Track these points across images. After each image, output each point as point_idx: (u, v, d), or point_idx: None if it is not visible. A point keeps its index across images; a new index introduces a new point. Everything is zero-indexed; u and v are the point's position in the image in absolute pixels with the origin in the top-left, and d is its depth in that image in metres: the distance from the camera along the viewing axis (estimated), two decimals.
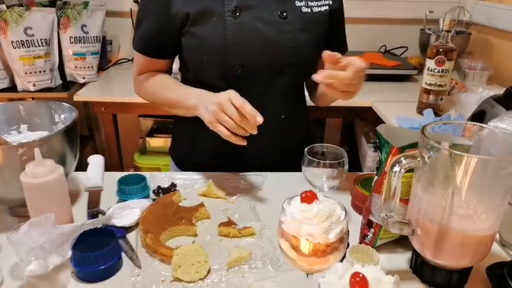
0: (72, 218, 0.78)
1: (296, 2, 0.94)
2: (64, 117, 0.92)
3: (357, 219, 0.80)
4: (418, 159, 0.60)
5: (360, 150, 1.96)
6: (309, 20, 0.94)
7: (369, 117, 1.78)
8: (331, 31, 0.99)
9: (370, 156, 1.78)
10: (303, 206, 0.54)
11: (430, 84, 1.39)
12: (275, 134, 1.00)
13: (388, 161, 0.69)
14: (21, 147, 0.73)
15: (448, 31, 1.31)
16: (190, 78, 1.01)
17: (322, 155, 0.82)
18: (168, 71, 1.06)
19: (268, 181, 0.97)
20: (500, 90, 1.25)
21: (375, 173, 0.75)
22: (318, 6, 0.95)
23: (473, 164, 0.56)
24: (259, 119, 0.78)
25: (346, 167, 0.80)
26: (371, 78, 1.83)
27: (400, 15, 2.11)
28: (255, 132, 0.80)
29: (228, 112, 0.79)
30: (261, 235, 0.79)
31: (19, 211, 0.82)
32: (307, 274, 0.57)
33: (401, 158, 0.59)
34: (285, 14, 0.92)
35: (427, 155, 0.59)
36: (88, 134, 2.32)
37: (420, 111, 1.46)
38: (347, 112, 1.76)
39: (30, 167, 0.70)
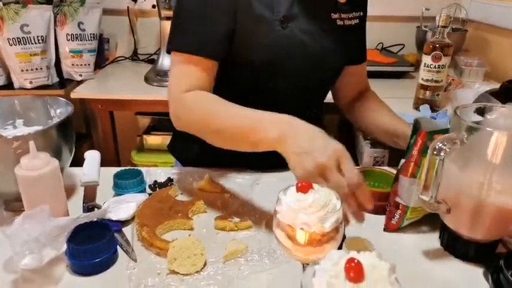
0: (68, 211, 0.78)
1: (332, 14, 0.90)
2: (60, 112, 0.91)
3: None
4: (456, 140, 0.63)
5: (357, 147, 1.96)
6: (343, 34, 0.93)
7: None
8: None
9: (367, 153, 1.76)
10: (299, 195, 0.53)
11: (427, 80, 1.39)
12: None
13: (418, 144, 0.71)
14: (16, 140, 0.72)
15: (444, 27, 1.31)
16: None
17: None
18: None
19: (264, 177, 0.97)
20: (496, 86, 1.25)
21: (372, 166, 0.77)
22: (349, 19, 0.93)
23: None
24: (370, 207, 0.63)
25: None
26: (368, 75, 1.83)
27: (396, 13, 2.11)
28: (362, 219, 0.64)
29: (329, 178, 0.63)
30: (257, 228, 0.79)
31: (14, 205, 0.82)
32: (303, 266, 0.57)
33: (440, 142, 0.62)
34: (324, 26, 0.89)
35: (464, 136, 0.62)
36: (85, 132, 2.31)
37: (417, 107, 1.46)
38: None
39: (25, 160, 0.69)
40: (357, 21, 0.96)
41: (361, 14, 0.97)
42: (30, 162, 0.69)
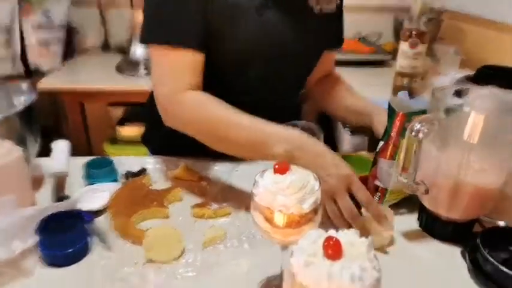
0: (35, 202, 0.74)
1: (308, 1, 0.89)
2: (24, 99, 0.86)
3: None
4: (434, 121, 0.63)
5: (335, 135, 1.97)
6: (320, 21, 0.92)
7: None
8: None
9: (346, 140, 1.78)
10: (276, 177, 0.52)
11: (404, 67, 1.40)
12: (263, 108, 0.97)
13: (396, 126, 0.72)
14: None
15: (421, 15, 1.32)
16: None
17: None
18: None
19: (243, 164, 0.95)
20: (472, 73, 1.27)
21: (350, 152, 0.77)
22: (327, 3, 0.92)
23: (489, 120, 0.61)
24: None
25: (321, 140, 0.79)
26: (347, 63, 1.84)
27: (373, 3, 2.12)
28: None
29: (340, 203, 0.66)
30: (236, 215, 0.77)
31: None
32: (282, 249, 0.56)
33: (418, 123, 0.62)
34: (301, 13, 0.88)
35: (442, 117, 0.63)
36: (54, 124, 2.21)
37: (395, 94, 1.47)
38: None
39: None
40: (333, 6, 0.95)
41: (338, 0, 0.96)
42: None
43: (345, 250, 0.38)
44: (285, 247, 0.56)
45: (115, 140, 2.02)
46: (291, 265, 0.39)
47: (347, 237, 0.40)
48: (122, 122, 2.05)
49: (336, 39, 1.06)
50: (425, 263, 0.68)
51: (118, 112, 2.08)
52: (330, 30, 0.99)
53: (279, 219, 0.50)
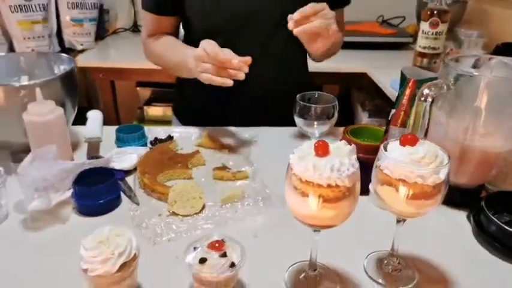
0: (73, 158, 0.81)
1: None
2: (63, 68, 0.94)
3: None
4: (443, 85, 0.66)
5: (355, 118, 1.99)
6: None
7: (365, 85, 1.80)
8: None
9: (364, 122, 1.80)
10: (408, 149, 0.52)
11: (424, 47, 1.41)
12: (273, 83, 1.04)
13: (407, 93, 0.75)
14: (24, 89, 0.75)
15: None
16: (193, 38, 1.01)
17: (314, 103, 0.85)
18: (175, 33, 1.09)
19: (262, 133, 1.00)
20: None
21: (363, 122, 0.80)
22: None
23: (496, 86, 0.64)
24: (235, 61, 0.79)
25: (336, 111, 0.83)
26: (367, 46, 1.84)
27: None
28: (242, 72, 0.80)
29: (206, 60, 0.82)
30: (253, 178, 0.83)
31: (20, 157, 0.85)
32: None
33: (426, 88, 0.65)
34: None
35: (451, 82, 0.66)
36: (87, 106, 2.33)
37: None
38: (343, 78, 1.78)
39: (32, 106, 0.72)
40: None
41: None
42: (37, 108, 0.72)
43: (331, 151, 0.49)
44: (403, 219, 0.57)
45: (142, 120, 2.11)
46: (290, 158, 0.50)
47: (335, 143, 0.50)
48: (149, 102, 2.14)
49: None
50: (431, 227, 0.71)
51: (146, 93, 2.17)
52: None
53: (415, 189, 0.51)
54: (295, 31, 0.81)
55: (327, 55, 1.06)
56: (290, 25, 0.81)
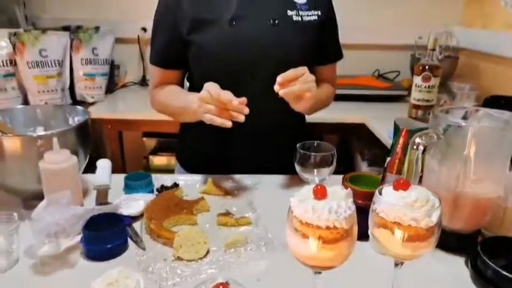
0: (83, 204, 0.85)
1: (288, 11, 1.04)
2: (78, 119, 1.00)
3: None
4: (433, 135, 0.71)
5: (356, 167, 2.03)
6: (300, 28, 1.04)
7: (363, 135, 1.87)
8: (325, 40, 1.10)
9: (363, 170, 1.84)
10: (401, 193, 0.56)
11: (418, 100, 1.48)
12: (273, 134, 1.09)
13: (400, 142, 0.79)
14: (40, 138, 0.80)
15: (433, 49, 1.41)
16: (197, 86, 1.07)
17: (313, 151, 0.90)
18: (180, 83, 1.17)
19: (264, 181, 1.04)
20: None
21: (362, 171, 0.84)
22: (308, 15, 1.06)
23: (485, 135, 0.70)
24: (235, 102, 0.86)
25: (335, 159, 0.87)
26: (364, 98, 1.93)
27: (392, 42, 2.23)
28: (242, 115, 0.86)
29: (209, 102, 0.88)
30: (256, 224, 0.85)
31: (32, 204, 0.89)
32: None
33: (418, 137, 0.70)
34: (276, 21, 1.02)
35: (441, 132, 0.71)
36: (95, 155, 2.39)
37: None
38: (342, 129, 1.84)
39: (49, 154, 0.77)
40: (315, 17, 1.06)
41: (319, 13, 1.07)
42: (53, 157, 0.77)
43: (329, 195, 0.53)
44: (401, 262, 0.60)
45: (148, 169, 2.16)
46: (291, 202, 0.54)
47: (332, 187, 0.54)
48: (154, 152, 2.20)
49: (325, 55, 1.14)
50: (430, 272, 0.73)
51: (152, 143, 2.24)
52: (313, 41, 1.07)
53: (409, 232, 0.53)
54: (280, 93, 0.89)
55: (314, 111, 1.13)
56: (276, 87, 0.89)
